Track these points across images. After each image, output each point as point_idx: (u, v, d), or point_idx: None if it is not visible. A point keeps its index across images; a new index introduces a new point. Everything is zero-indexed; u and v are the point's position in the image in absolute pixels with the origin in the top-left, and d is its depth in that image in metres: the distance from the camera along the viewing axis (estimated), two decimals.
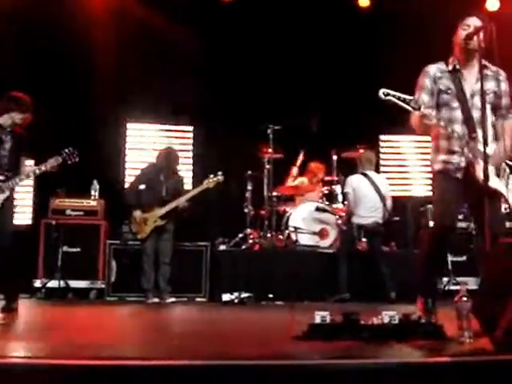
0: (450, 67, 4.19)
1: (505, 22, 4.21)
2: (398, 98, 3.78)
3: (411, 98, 3.84)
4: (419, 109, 3.82)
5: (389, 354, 3.12)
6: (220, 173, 7.71)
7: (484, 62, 4.14)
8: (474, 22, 4.12)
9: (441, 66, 4.22)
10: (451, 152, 4.11)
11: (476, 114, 4.07)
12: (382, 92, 3.79)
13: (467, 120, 4.07)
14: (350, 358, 2.84)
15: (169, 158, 7.77)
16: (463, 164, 4.06)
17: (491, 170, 3.96)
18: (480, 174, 3.81)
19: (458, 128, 4.05)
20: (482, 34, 3.99)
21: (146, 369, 2.59)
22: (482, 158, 3.79)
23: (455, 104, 4.12)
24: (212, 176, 7.66)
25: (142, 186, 7.67)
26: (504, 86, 4.25)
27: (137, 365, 2.63)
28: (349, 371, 2.65)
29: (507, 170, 4.18)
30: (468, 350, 3.11)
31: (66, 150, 5.26)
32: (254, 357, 2.85)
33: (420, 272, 4.43)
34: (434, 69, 4.21)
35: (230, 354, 2.98)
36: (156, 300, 7.32)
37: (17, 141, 5.31)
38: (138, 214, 7.45)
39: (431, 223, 7.99)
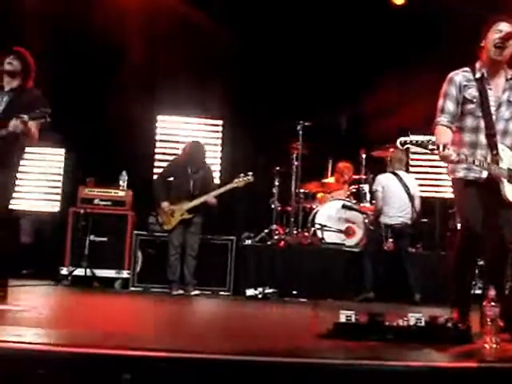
0: (478, 75, 4.07)
1: None
2: (416, 144, 3.71)
3: (428, 138, 3.74)
4: (438, 148, 3.72)
5: (413, 357, 3.10)
6: (250, 173, 7.66)
7: (510, 71, 4.09)
8: (507, 27, 4.04)
9: (467, 73, 4.09)
10: (459, 161, 3.99)
11: (501, 126, 4.00)
12: (399, 142, 3.74)
13: (490, 134, 3.98)
14: (374, 359, 2.83)
15: (196, 150, 7.73)
16: (484, 176, 3.98)
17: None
18: (505, 192, 3.80)
19: (483, 138, 3.98)
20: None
21: (168, 360, 2.60)
22: (504, 176, 3.81)
23: (480, 113, 4.02)
24: (242, 175, 7.62)
25: (171, 178, 7.70)
26: None
27: (159, 356, 2.64)
28: (372, 372, 2.64)
29: None
30: (494, 356, 3.06)
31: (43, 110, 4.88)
32: (278, 353, 2.85)
33: (451, 281, 4.32)
34: (460, 77, 4.08)
35: (252, 350, 2.97)
36: (180, 292, 7.35)
37: (12, 100, 5.07)
38: (165, 205, 7.47)
39: (459, 225, 7.90)
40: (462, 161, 3.83)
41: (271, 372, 2.62)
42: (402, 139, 3.69)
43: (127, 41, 8.73)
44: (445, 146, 3.69)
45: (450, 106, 4.04)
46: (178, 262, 7.44)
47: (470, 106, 4.03)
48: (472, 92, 4.04)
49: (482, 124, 4.00)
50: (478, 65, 4.11)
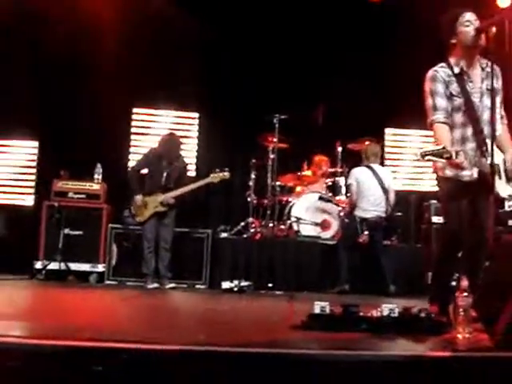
0: (457, 70, 4.08)
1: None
2: (435, 155, 3.65)
3: (442, 147, 3.64)
4: (451, 157, 3.67)
5: (387, 347, 3.12)
6: (227, 169, 7.59)
7: (483, 59, 4.11)
8: (472, 17, 4.07)
9: (446, 69, 4.09)
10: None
11: (486, 115, 4.01)
12: (420, 155, 3.66)
13: (477, 132, 4.00)
14: (348, 349, 2.84)
15: (170, 142, 7.68)
16: (475, 175, 3.99)
17: (503, 179, 3.95)
18: (497, 188, 3.82)
19: (471, 132, 4.01)
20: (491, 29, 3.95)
21: (141, 352, 2.58)
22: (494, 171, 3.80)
23: (465, 109, 4.03)
24: (218, 170, 7.56)
25: (145, 170, 7.65)
26: (500, 82, 4.20)
27: (131, 348, 2.62)
28: (347, 362, 2.64)
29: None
30: (466, 346, 3.09)
31: None
32: (252, 344, 2.85)
33: (433, 276, 4.41)
34: (441, 73, 4.08)
35: (227, 341, 2.97)
36: (155, 285, 7.31)
37: None
38: (139, 197, 7.43)
39: (434, 218, 7.98)
40: (466, 166, 3.83)
41: (246, 363, 2.62)
42: (423, 151, 3.63)
43: (102, 33, 8.64)
44: (457, 153, 3.64)
45: (442, 102, 4.03)
46: (153, 255, 7.40)
47: (457, 102, 4.04)
48: (455, 87, 4.06)
49: (470, 119, 4.02)
50: (453, 60, 4.13)
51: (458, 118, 4.04)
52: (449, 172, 4.09)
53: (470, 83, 4.07)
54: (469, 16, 4.07)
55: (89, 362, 2.49)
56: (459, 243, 4.13)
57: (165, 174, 7.49)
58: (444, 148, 3.61)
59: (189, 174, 8.24)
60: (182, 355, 2.62)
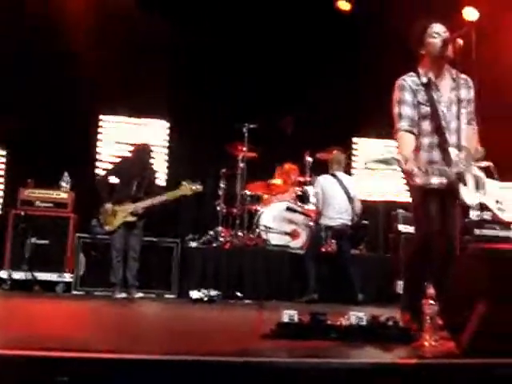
0: (424, 80, 4.13)
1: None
2: (379, 162, 3.70)
3: (390, 156, 3.68)
4: (399, 161, 3.71)
5: (355, 355, 3.13)
6: (199, 182, 7.53)
7: (453, 70, 4.18)
8: (441, 27, 4.14)
9: (414, 78, 4.14)
10: (432, 163, 4.04)
11: (454, 124, 4.04)
12: (365, 164, 3.74)
13: (442, 140, 4.05)
14: (317, 357, 2.84)
15: (142, 153, 7.66)
16: (445, 181, 4.02)
17: (471, 187, 4.00)
18: (463, 196, 3.88)
19: (437, 141, 4.05)
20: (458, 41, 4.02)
21: (107, 362, 2.56)
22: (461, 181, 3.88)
23: (432, 116, 4.08)
24: (191, 182, 7.51)
25: (114, 180, 7.59)
26: (472, 93, 4.27)
27: (97, 358, 2.59)
28: (316, 370, 2.65)
29: (483, 177, 4.18)
30: (432, 353, 3.12)
31: None
32: (221, 353, 2.83)
33: (405, 285, 4.40)
34: (409, 81, 4.13)
35: (195, 350, 2.95)
36: (123, 295, 7.24)
37: None
38: (108, 206, 7.36)
39: (401, 227, 8.07)
40: (422, 174, 3.87)
41: (213, 372, 2.60)
42: (367, 161, 3.69)
43: (70, 40, 8.58)
44: (407, 160, 3.70)
45: (408, 110, 4.07)
46: (121, 265, 7.33)
47: (424, 110, 4.09)
48: (423, 96, 4.11)
49: (432, 126, 4.07)
50: (421, 70, 4.18)
51: (426, 125, 4.09)
52: (419, 180, 4.14)
53: (438, 92, 4.13)
54: (437, 27, 4.13)
55: (54, 372, 2.45)
56: (430, 250, 4.16)
57: (135, 184, 7.44)
58: (393, 157, 3.67)
59: (159, 182, 8.19)
60: (149, 364, 2.59)
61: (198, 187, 7.51)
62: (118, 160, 8.00)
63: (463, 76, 4.19)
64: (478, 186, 4.09)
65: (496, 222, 7.33)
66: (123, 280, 7.31)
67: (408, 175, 4.23)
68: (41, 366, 2.50)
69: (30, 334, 3.54)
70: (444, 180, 4.02)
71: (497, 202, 4.18)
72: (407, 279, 4.43)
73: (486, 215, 7.09)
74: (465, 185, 3.94)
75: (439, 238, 4.08)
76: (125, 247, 7.36)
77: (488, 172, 4.21)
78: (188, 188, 7.48)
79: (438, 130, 4.07)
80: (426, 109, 4.10)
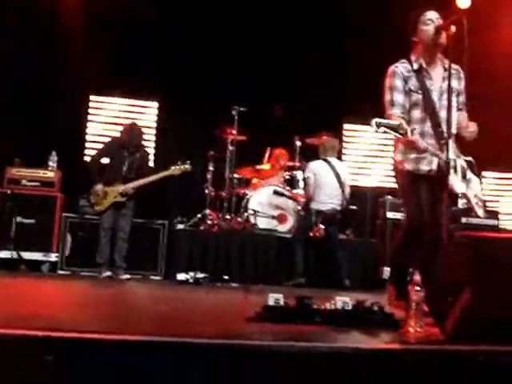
0: (416, 66, 4.14)
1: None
2: (389, 127, 3.71)
3: (398, 122, 3.76)
4: (406, 133, 3.73)
5: (340, 339, 3.14)
6: (188, 162, 7.57)
7: (445, 60, 4.18)
8: (434, 14, 4.13)
9: (406, 65, 4.16)
10: (424, 150, 4.06)
11: (443, 114, 4.05)
12: (374, 123, 3.71)
13: (435, 124, 4.06)
14: (301, 340, 2.84)
15: (132, 132, 7.64)
16: (435, 165, 4.06)
17: (458, 173, 4.02)
18: (452, 183, 3.89)
19: (429, 128, 4.06)
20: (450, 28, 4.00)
21: (92, 341, 2.55)
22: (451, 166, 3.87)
23: (424, 104, 4.09)
24: (179, 163, 7.52)
25: (106, 160, 7.56)
26: (463, 84, 4.28)
27: (82, 337, 2.58)
28: (300, 354, 2.65)
29: (467, 169, 4.22)
30: (417, 339, 3.14)
31: None
32: (205, 335, 2.83)
33: (392, 262, 4.49)
34: (401, 68, 4.14)
35: (180, 332, 2.95)
36: (109, 273, 7.23)
37: None
38: (99, 187, 7.33)
39: (389, 214, 8.10)
40: (424, 149, 3.89)
41: (196, 354, 2.60)
42: (377, 120, 3.69)
43: (60, 19, 8.49)
44: (412, 131, 3.73)
45: (399, 97, 4.08)
46: (108, 245, 7.32)
47: (415, 97, 4.10)
48: (414, 82, 4.11)
49: (428, 115, 4.07)
50: (413, 57, 4.18)
51: (417, 113, 4.09)
52: (408, 165, 4.15)
53: (430, 80, 4.13)
54: (430, 14, 4.12)
55: (39, 351, 2.44)
56: (418, 239, 4.17)
57: (126, 164, 7.43)
58: (400, 124, 3.69)
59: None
60: (132, 345, 2.59)
61: (186, 167, 7.54)
62: (108, 140, 7.93)
63: (455, 66, 4.19)
64: (464, 176, 4.12)
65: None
66: (110, 260, 7.30)
67: (397, 160, 4.25)
68: (26, 344, 2.49)
69: (16, 313, 3.52)
70: (434, 166, 4.03)
71: (475, 196, 4.21)
72: (394, 266, 4.45)
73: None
74: (455, 172, 3.96)
75: (427, 226, 4.10)
76: (114, 228, 7.34)
77: (470, 167, 4.24)
78: (177, 168, 7.52)
79: (430, 116, 4.06)
80: (418, 96, 4.10)
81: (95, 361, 2.49)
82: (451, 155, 3.86)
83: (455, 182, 3.96)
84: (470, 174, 4.22)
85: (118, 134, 7.95)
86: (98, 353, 2.53)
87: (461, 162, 4.15)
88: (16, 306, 3.96)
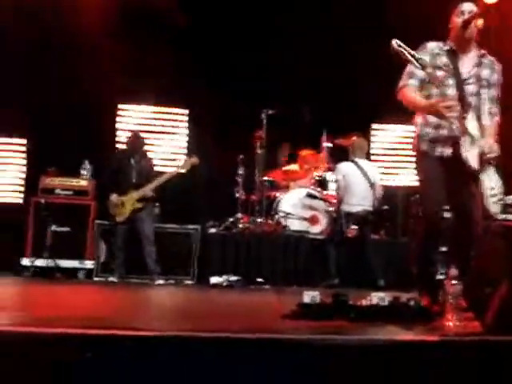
0: (448, 47, 4.13)
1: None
2: (408, 52, 3.70)
3: (419, 56, 3.76)
4: (422, 68, 3.75)
5: (376, 333, 3.13)
6: (194, 155, 7.79)
7: (481, 50, 4.14)
8: (469, 7, 4.10)
9: (440, 44, 4.15)
10: (440, 127, 4.01)
11: (470, 100, 4.03)
12: (395, 42, 3.71)
13: (461, 99, 4.00)
14: (338, 334, 2.85)
15: (137, 142, 7.90)
16: (449, 151, 4.01)
17: (476, 154, 3.94)
18: (466, 156, 3.83)
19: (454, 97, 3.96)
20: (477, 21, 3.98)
21: (129, 339, 2.57)
22: (470, 139, 3.82)
23: (450, 82, 4.03)
24: (186, 158, 7.67)
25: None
26: (497, 76, 4.20)
27: (119, 335, 2.61)
28: (338, 347, 2.64)
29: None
30: (456, 332, 3.11)
31: None
32: (243, 331, 2.84)
33: (415, 266, 4.30)
34: (433, 45, 4.13)
35: (215, 329, 2.96)
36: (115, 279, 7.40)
37: None
38: (113, 196, 7.51)
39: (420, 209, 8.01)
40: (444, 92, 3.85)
41: (234, 349, 2.61)
42: (398, 41, 3.69)
43: (88, 29, 8.59)
44: (433, 69, 3.76)
45: (420, 72, 3.99)
46: (122, 253, 7.45)
47: (441, 73, 4.03)
48: (444, 60, 4.08)
49: (450, 91, 4.00)
50: (448, 41, 4.18)
51: (442, 90, 3.98)
52: (423, 147, 4.10)
53: (460, 61, 4.10)
54: (464, 6, 4.10)
55: (79, 348, 2.48)
56: (437, 229, 4.05)
57: (135, 172, 7.63)
58: (422, 58, 3.68)
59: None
60: (174, 342, 2.61)
61: (194, 160, 7.73)
62: (115, 153, 8.14)
63: (490, 57, 4.15)
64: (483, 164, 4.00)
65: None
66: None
67: (413, 143, 4.20)
68: (66, 342, 2.53)
69: (55, 314, 3.58)
70: (449, 150, 3.97)
71: (492, 188, 4.03)
72: (418, 262, 4.29)
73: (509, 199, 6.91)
74: (473, 145, 3.89)
75: (457, 219, 4.03)
76: (138, 235, 7.41)
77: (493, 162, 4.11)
78: (185, 163, 7.77)
79: (452, 96, 3.99)
80: (443, 73, 4.02)
81: (134, 358, 2.51)
82: (471, 130, 3.80)
83: (472, 158, 3.88)
84: (490, 167, 4.09)
85: (148, 142, 8.08)
86: (136, 349, 2.56)
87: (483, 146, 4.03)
88: (56, 308, 4.02)
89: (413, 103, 4.08)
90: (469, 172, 3.87)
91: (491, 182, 3.98)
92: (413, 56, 3.72)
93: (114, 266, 7.48)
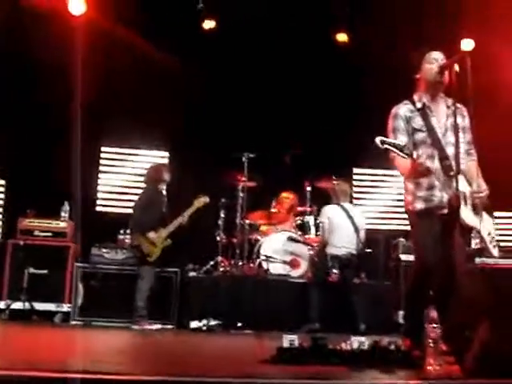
0: (419, 105, 4.18)
1: None
2: (393, 146, 3.73)
3: (404, 144, 3.77)
4: (411, 155, 3.77)
5: (358, 378, 3.09)
6: (204, 195, 7.71)
7: (448, 98, 4.22)
8: (439, 55, 4.20)
9: (408, 105, 4.21)
10: (432, 187, 4.07)
11: (450, 151, 4.07)
12: (379, 140, 3.73)
13: (442, 158, 4.04)
14: (318, 379, 2.80)
15: (164, 172, 7.72)
16: (445, 199, 4.04)
17: (469, 207, 4.00)
18: (462, 216, 3.86)
19: (438, 164, 4.01)
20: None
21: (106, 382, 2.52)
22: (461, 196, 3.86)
23: (430, 141, 4.10)
24: (200, 196, 7.63)
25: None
26: (467, 121, 4.30)
27: (112, 379, 2.56)
28: None
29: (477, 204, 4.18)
30: (437, 375, 3.08)
31: None
32: (220, 375, 2.79)
33: (405, 311, 4.40)
34: (404, 109, 4.20)
35: (195, 372, 2.91)
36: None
37: None
38: (151, 234, 7.33)
39: (402, 256, 8.03)
40: (432, 170, 3.87)
41: None
42: (382, 138, 3.70)
43: (72, 72, 8.62)
44: (418, 156, 3.75)
45: (403, 138, 4.08)
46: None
47: (421, 135, 4.11)
48: (418, 121, 4.14)
49: (434, 152, 4.06)
50: (416, 96, 4.24)
51: (424, 151, 4.07)
52: (418, 205, 4.13)
53: (434, 118, 4.17)
54: (435, 54, 4.20)
55: None
56: (430, 278, 4.09)
57: (164, 207, 7.51)
58: (406, 145, 3.70)
59: None
60: None
61: (206, 199, 7.67)
62: (148, 186, 7.83)
63: (458, 105, 4.22)
64: (477, 213, 4.08)
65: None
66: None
67: (407, 201, 4.24)
68: None
69: (30, 357, 3.49)
70: (445, 200, 4.01)
71: (489, 234, 4.15)
72: (408, 306, 4.39)
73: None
74: (466, 204, 3.94)
75: (441, 264, 4.05)
76: (137, 276, 7.31)
77: (483, 205, 4.18)
78: (199, 201, 7.64)
79: (439, 152, 4.06)
80: (423, 134, 4.12)
81: None
82: (461, 187, 3.85)
83: (467, 215, 3.94)
84: (482, 212, 4.17)
85: (130, 184, 7.97)
86: None
87: (472, 198, 4.11)
88: (30, 352, 3.94)
89: (403, 169, 4.08)
90: (464, 228, 3.91)
91: (487, 227, 4.09)
92: (397, 148, 3.73)
93: (146, 310, 7.18)
